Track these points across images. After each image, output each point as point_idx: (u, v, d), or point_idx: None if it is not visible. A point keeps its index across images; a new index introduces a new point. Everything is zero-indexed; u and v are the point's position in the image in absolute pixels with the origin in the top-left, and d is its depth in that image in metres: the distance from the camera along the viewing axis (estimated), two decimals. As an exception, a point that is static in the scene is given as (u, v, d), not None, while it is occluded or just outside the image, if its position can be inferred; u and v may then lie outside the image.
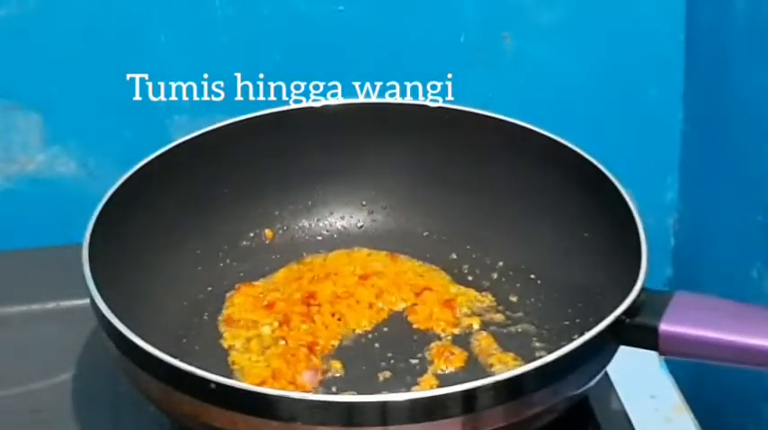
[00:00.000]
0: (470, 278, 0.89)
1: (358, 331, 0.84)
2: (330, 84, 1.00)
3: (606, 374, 0.81)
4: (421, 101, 0.91)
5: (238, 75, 1.00)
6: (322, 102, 0.92)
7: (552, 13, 1.01)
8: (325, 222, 0.93)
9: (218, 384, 0.67)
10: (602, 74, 1.04)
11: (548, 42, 1.02)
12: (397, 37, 1.01)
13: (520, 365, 0.76)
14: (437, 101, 0.91)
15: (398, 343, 0.83)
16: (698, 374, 1.01)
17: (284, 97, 0.94)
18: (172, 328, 0.83)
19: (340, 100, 0.92)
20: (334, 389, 0.79)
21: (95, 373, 0.86)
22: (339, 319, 0.85)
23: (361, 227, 0.93)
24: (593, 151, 0.84)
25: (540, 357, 0.69)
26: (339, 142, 0.92)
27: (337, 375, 0.81)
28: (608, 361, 0.73)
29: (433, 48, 1.02)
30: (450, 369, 0.81)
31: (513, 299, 0.87)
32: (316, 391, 0.79)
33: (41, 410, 0.83)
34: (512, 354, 0.82)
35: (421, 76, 1.02)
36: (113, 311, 0.72)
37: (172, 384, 0.70)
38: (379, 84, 0.99)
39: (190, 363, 0.69)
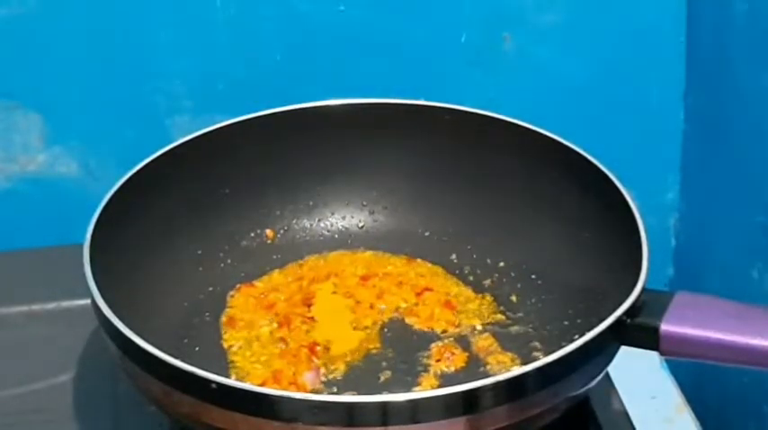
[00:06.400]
0: (471, 278, 0.89)
1: (359, 332, 0.84)
2: (330, 84, 1.00)
3: (607, 374, 0.81)
4: (421, 101, 0.91)
5: (238, 75, 1.00)
6: (322, 102, 0.91)
7: (553, 13, 1.01)
8: (326, 222, 0.93)
9: (219, 384, 0.67)
10: (603, 74, 1.04)
11: (548, 42, 1.02)
12: (398, 37, 1.01)
13: (520, 365, 0.76)
14: (437, 101, 0.91)
15: (399, 343, 0.83)
16: (699, 374, 1.01)
17: (284, 97, 0.94)
18: (172, 329, 0.83)
19: (340, 100, 0.92)
20: (334, 389, 0.79)
21: (95, 373, 0.86)
22: (340, 320, 0.85)
23: (362, 227, 0.93)
24: (594, 151, 0.84)
25: (541, 357, 0.69)
26: (339, 142, 0.92)
27: (338, 376, 0.81)
28: (609, 361, 0.73)
29: (433, 48, 1.02)
30: (451, 369, 0.81)
31: (514, 299, 0.87)
32: (316, 392, 0.79)
33: (42, 410, 0.83)
34: (512, 355, 0.82)
35: (421, 76, 1.02)
36: (114, 311, 0.72)
37: (172, 384, 0.69)
38: (379, 84, 0.99)
39: (190, 364, 0.68)
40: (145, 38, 0.99)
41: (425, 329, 0.84)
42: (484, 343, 0.83)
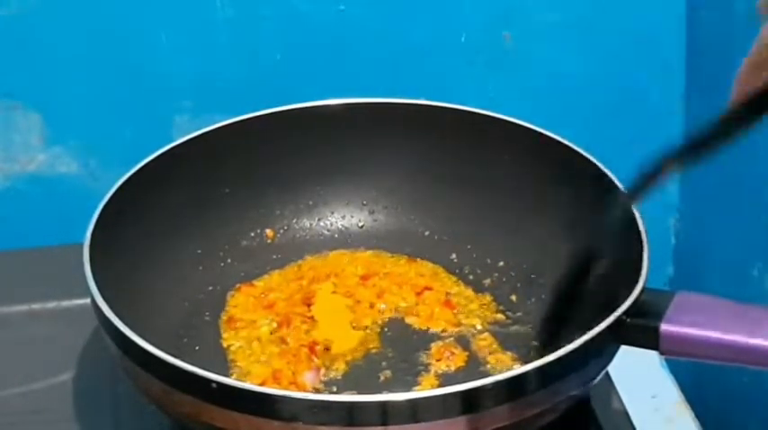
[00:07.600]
0: (471, 278, 0.89)
1: (359, 331, 0.84)
2: (330, 84, 1.00)
3: (607, 374, 0.81)
4: (421, 101, 0.91)
5: (238, 75, 1.00)
6: (322, 102, 0.91)
7: (553, 13, 1.01)
8: (326, 222, 0.93)
9: (219, 384, 0.67)
10: (603, 73, 1.04)
11: (549, 42, 1.02)
12: (398, 36, 1.01)
13: (520, 365, 0.76)
14: (437, 101, 0.91)
15: (399, 343, 0.83)
16: (699, 374, 1.01)
17: (284, 97, 0.94)
18: (172, 328, 0.83)
19: (340, 100, 0.92)
20: (334, 388, 0.79)
21: (95, 373, 0.86)
22: (340, 320, 0.85)
23: (362, 226, 0.93)
24: (594, 151, 0.84)
25: (541, 357, 0.69)
26: (339, 142, 0.92)
27: (338, 375, 0.81)
28: (609, 360, 0.73)
29: (433, 47, 1.02)
30: (451, 369, 0.81)
31: (514, 299, 0.87)
32: (316, 391, 0.79)
33: (42, 410, 0.83)
34: (512, 354, 0.82)
35: (421, 75, 1.02)
36: (114, 311, 0.72)
37: (172, 384, 0.69)
38: (379, 84, 0.99)
39: (190, 363, 0.68)
40: (145, 38, 0.99)
41: (425, 329, 0.84)
42: (484, 342, 0.83)
